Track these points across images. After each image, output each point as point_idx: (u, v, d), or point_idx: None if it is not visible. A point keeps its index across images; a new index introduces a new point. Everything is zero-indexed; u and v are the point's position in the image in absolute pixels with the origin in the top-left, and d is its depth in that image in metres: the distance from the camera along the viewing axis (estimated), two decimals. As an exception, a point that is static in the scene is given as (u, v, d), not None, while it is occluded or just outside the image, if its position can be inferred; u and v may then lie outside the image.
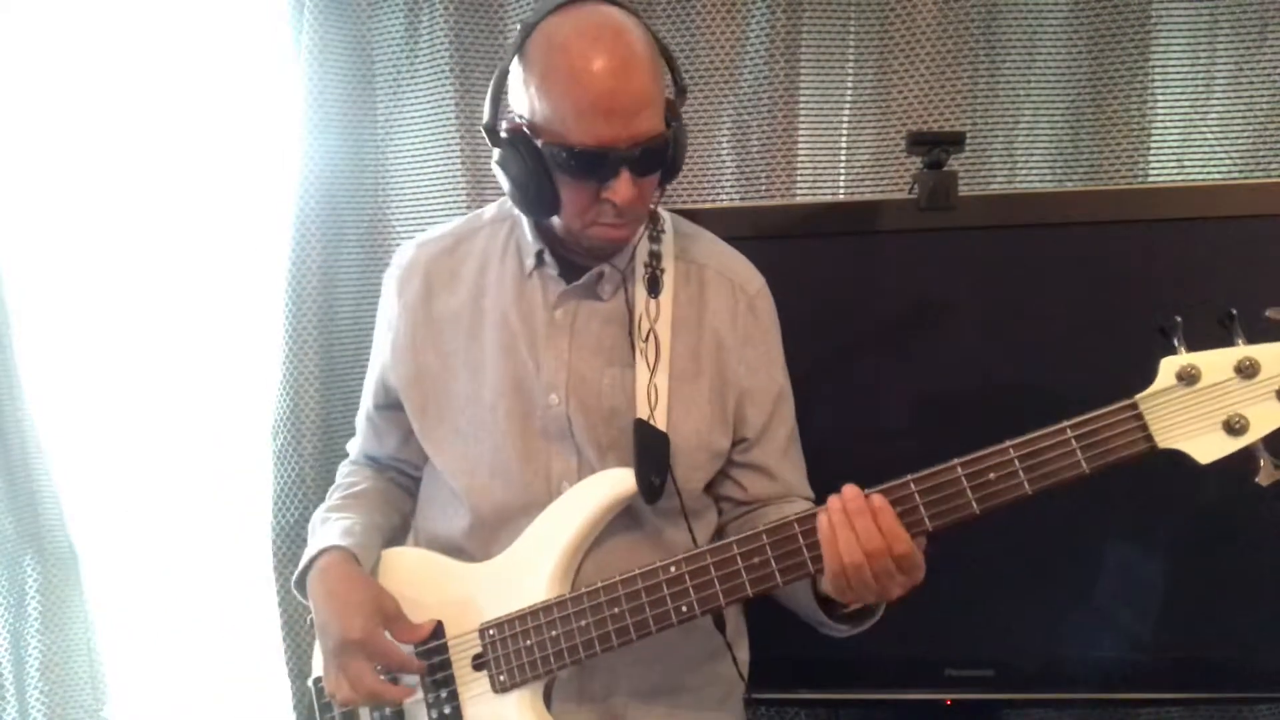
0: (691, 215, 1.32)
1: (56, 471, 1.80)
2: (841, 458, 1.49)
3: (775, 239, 1.49)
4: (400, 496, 1.36)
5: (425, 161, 1.79)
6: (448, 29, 1.72)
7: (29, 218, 1.84)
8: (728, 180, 1.73)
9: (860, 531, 0.97)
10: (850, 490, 1.00)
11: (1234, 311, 0.92)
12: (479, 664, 1.15)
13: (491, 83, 1.08)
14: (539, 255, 1.18)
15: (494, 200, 1.31)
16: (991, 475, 0.97)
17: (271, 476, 1.78)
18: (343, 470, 1.39)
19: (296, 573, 1.20)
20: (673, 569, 1.07)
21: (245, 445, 1.91)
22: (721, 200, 1.73)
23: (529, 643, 1.11)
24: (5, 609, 1.77)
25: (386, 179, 1.83)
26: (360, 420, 1.37)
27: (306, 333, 1.75)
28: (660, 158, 1.08)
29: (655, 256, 1.19)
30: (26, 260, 1.83)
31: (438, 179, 1.78)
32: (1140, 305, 1.44)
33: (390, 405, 1.30)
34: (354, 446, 1.40)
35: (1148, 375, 0.94)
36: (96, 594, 1.86)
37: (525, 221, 1.19)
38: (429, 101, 1.77)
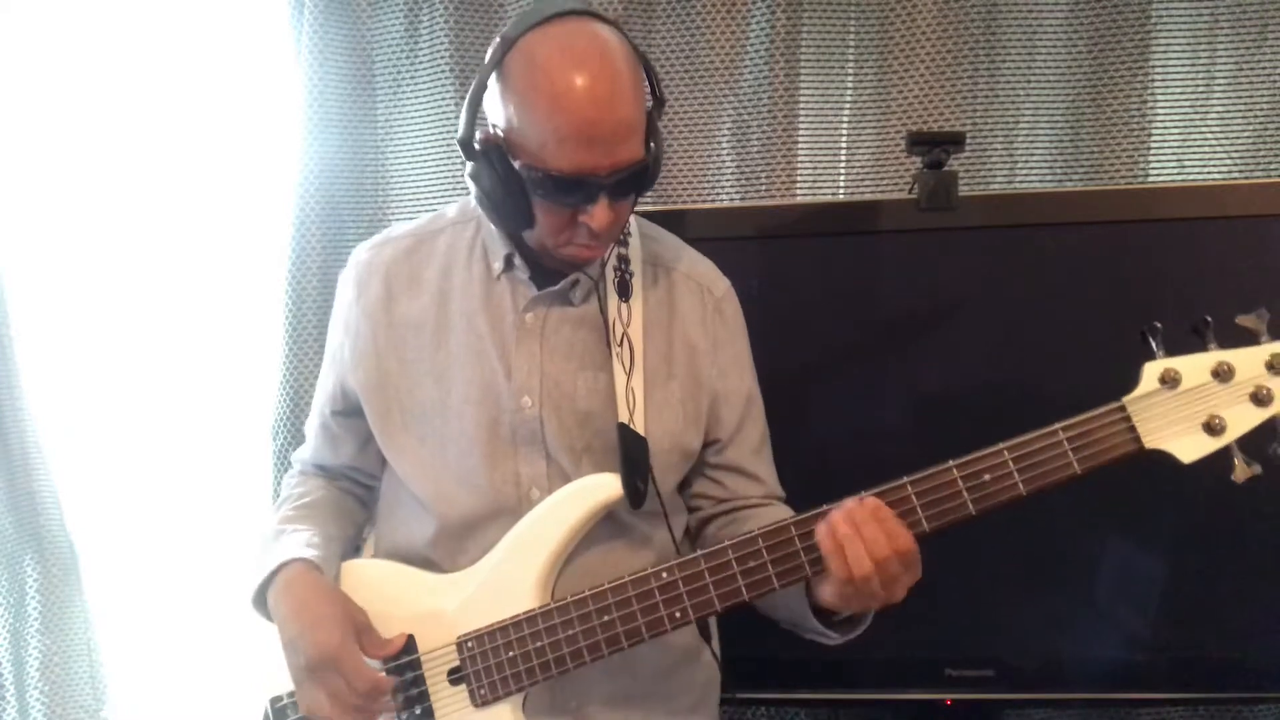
0: (692, 215, 1.32)
1: (56, 471, 1.80)
2: (841, 457, 1.50)
3: (775, 239, 1.49)
4: (353, 507, 1.32)
5: (425, 161, 1.79)
6: (448, 29, 1.72)
7: (29, 218, 1.84)
8: (728, 180, 1.73)
9: (868, 540, 0.95)
10: (851, 502, 0.99)
11: (1208, 319, 0.97)
12: (456, 678, 1.11)
13: (468, 96, 1.04)
14: (508, 259, 1.15)
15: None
16: (986, 476, 0.98)
17: (271, 476, 1.78)
18: (289, 480, 1.33)
19: (255, 588, 1.14)
20: (665, 575, 1.04)
21: (245, 445, 1.91)
22: (721, 200, 1.73)
23: (512, 654, 1.08)
24: (5, 609, 1.77)
25: (386, 179, 1.83)
26: (312, 427, 1.31)
27: (306, 333, 1.75)
28: (639, 181, 1.05)
29: (624, 260, 1.18)
30: (27, 260, 1.83)
31: (438, 179, 1.78)
32: (1140, 305, 1.44)
33: (349, 412, 1.25)
34: (300, 455, 1.35)
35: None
36: (96, 594, 1.86)
37: None
38: (429, 101, 1.77)
